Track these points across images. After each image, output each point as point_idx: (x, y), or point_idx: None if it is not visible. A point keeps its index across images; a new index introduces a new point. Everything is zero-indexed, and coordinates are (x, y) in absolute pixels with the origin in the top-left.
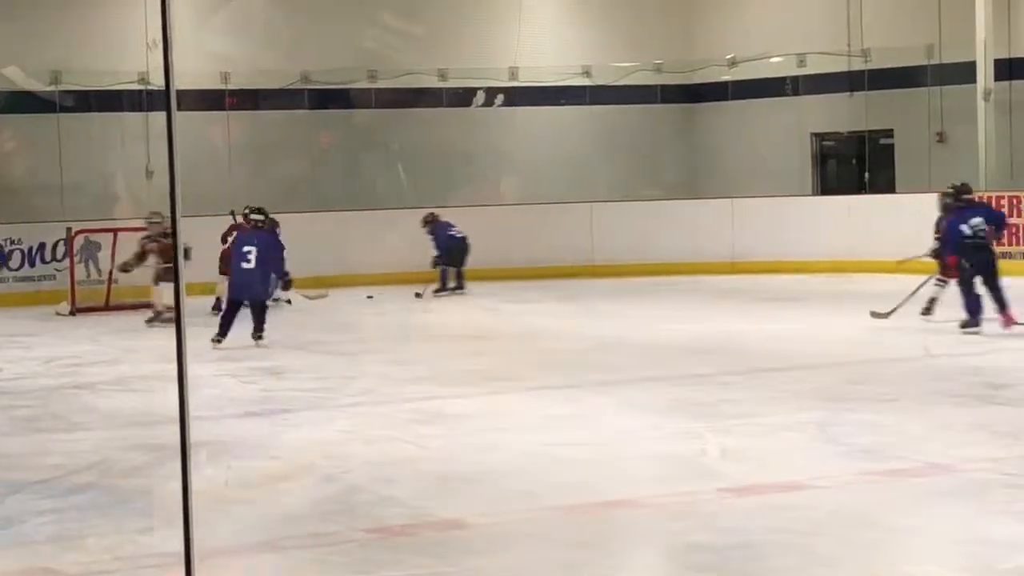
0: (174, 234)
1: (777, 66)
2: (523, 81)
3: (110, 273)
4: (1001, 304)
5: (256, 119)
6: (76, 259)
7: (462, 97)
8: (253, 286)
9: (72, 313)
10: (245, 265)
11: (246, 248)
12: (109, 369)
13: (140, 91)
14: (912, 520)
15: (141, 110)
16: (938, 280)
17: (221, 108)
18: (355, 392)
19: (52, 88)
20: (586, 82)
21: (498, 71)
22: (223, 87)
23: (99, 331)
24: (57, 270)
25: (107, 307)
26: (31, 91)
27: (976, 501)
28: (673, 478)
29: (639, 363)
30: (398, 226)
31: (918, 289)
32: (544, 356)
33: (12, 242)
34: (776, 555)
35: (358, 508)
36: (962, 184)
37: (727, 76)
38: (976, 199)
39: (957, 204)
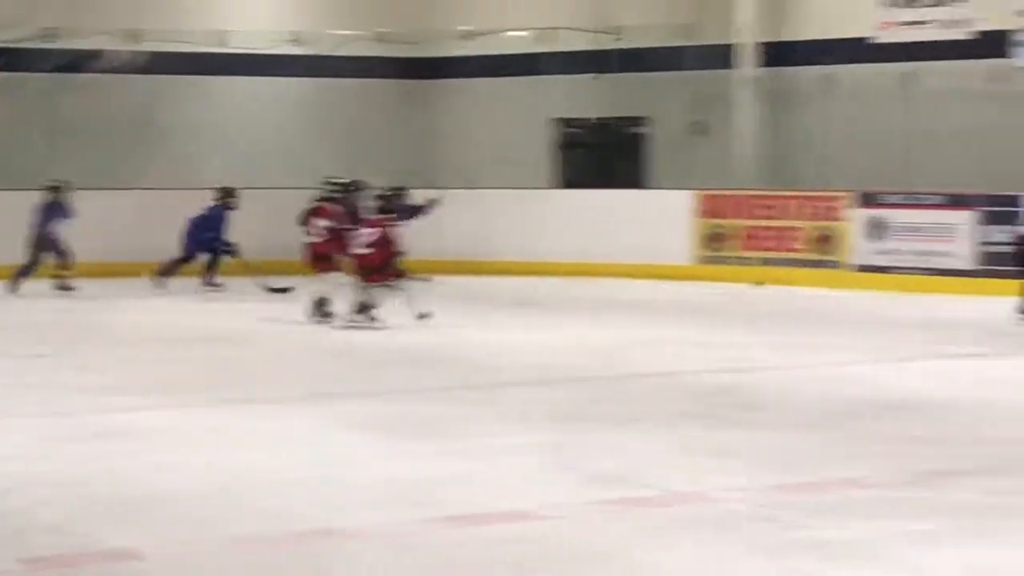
0: None
1: (518, 42)
2: (229, 48)
3: None
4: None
5: None
6: None
7: (155, 63)
8: None
9: None
10: None
11: None
12: None
13: None
14: (652, 555)
15: None
16: None
17: None
18: (14, 401)
19: None
20: (297, 51)
21: (198, 34)
22: None
23: None
24: None
25: None
26: None
27: (722, 533)
28: (387, 505)
29: (357, 374)
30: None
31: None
32: (247, 364)
33: None
34: None
35: (10, 535)
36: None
37: (461, 51)
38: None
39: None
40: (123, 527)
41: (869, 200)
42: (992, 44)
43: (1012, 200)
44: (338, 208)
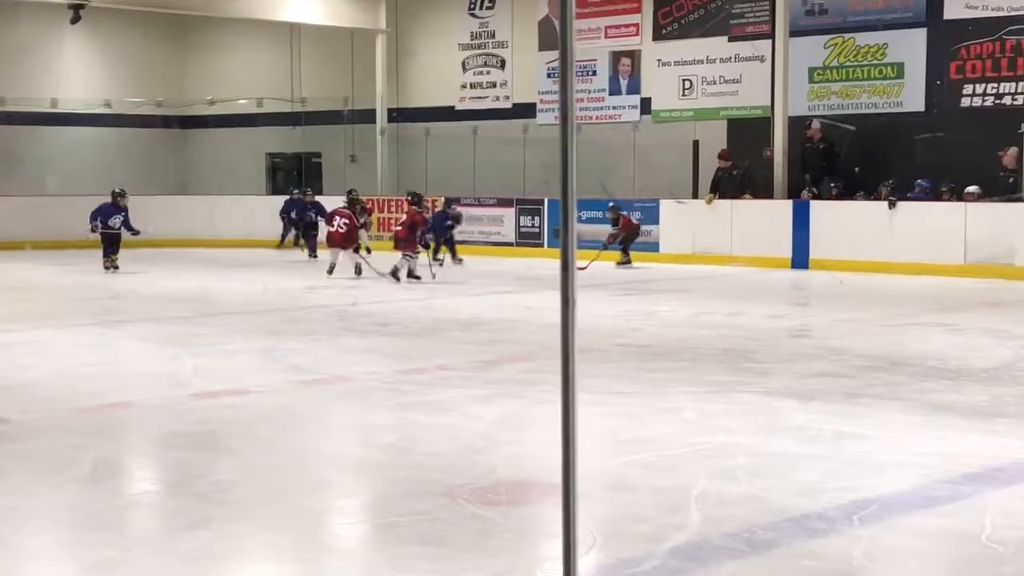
0: None
1: (243, 105)
2: (61, 109)
3: None
4: None
5: None
6: None
7: (13, 118)
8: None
9: None
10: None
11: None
12: None
13: None
14: (322, 412)
15: None
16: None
17: None
18: None
19: None
20: (106, 111)
21: (42, 100)
22: None
23: None
24: None
25: None
26: None
27: (364, 399)
28: (159, 387)
29: (141, 308)
30: None
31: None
32: (71, 303)
33: None
34: (229, 436)
35: None
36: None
37: (209, 111)
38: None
39: None
40: None
41: (453, 201)
42: (523, 110)
43: (536, 201)
44: (348, 211)
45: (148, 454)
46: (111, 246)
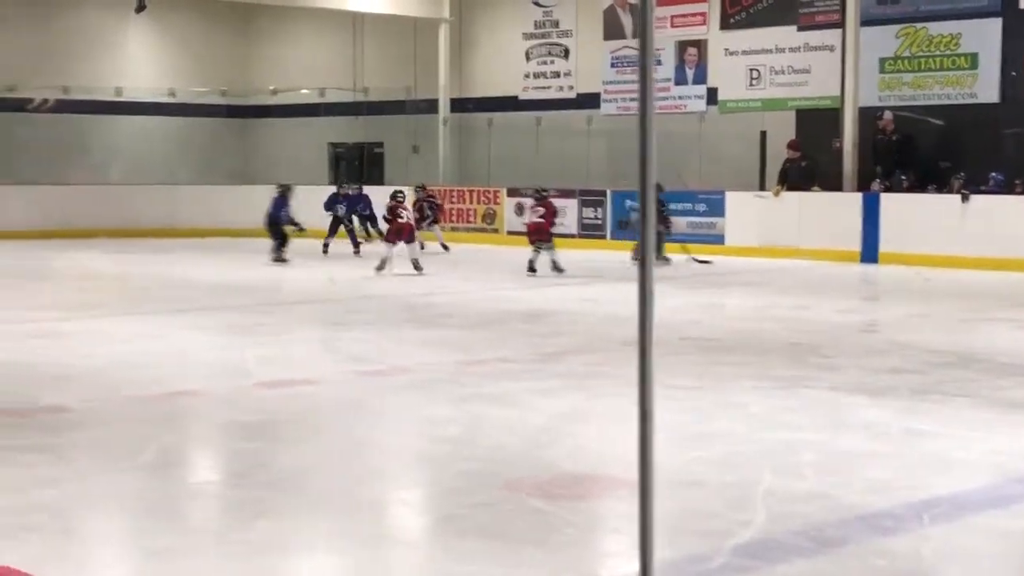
0: None
1: (306, 95)
2: (126, 97)
3: None
4: None
5: None
6: None
7: (80, 106)
8: None
9: None
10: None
11: None
12: None
13: None
14: (385, 403)
15: None
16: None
17: None
18: None
19: None
20: (171, 100)
21: (107, 89)
22: None
23: None
24: None
25: None
26: None
27: (426, 391)
28: (222, 376)
29: (204, 297)
30: None
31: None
32: (133, 292)
33: None
34: (291, 426)
35: None
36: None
37: (272, 101)
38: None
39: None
40: (57, 391)
41: (514, 193)
42: (587, 100)
43: (599, 192)
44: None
45: (211, 443)
46: (278, 239)
